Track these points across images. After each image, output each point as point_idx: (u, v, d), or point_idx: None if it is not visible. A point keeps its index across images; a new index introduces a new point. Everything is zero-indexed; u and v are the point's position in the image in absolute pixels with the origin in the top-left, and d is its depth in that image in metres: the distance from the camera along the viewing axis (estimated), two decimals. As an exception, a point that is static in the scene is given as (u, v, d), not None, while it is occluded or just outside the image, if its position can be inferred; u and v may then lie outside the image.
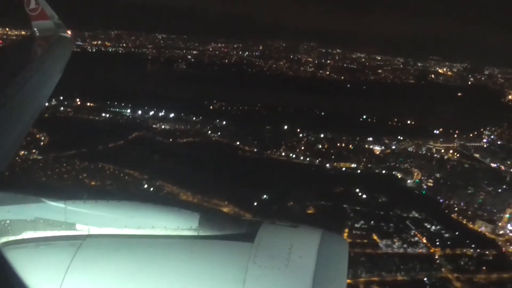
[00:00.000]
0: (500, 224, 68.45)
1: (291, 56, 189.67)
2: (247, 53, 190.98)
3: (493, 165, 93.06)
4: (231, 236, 4.70)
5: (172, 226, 4.89)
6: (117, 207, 5.06)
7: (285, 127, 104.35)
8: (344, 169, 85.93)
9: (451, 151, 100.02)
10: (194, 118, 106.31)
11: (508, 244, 64.06)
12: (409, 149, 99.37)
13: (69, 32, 16.39)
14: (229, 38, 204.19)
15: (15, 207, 5.08)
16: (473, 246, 61.78)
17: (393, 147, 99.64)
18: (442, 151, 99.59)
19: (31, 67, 11.51)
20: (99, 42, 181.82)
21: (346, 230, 61.63)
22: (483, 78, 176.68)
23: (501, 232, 66.98)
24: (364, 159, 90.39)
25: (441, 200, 75.59)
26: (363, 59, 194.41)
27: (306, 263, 4.22)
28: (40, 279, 4.42)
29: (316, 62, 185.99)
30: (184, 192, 70.24)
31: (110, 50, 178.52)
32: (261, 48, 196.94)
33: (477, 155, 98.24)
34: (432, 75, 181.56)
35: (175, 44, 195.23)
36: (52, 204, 5.07)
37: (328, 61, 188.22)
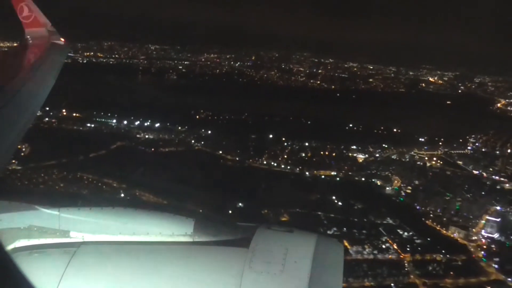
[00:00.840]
0: (474, 230, 68.55)
1: (283, 66, 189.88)
2: (238, 63, 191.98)
3: (475, 172, 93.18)
4: (227, 241, 4.76)
5: (167, 232, 4.92)
6: (111, 214, 5.10)
7: (270, 136, 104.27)
8: (323, 177, 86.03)
9: (434, 159, 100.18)
10: (179, 128, 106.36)
11: (478, 249, 64.13)
12: (392, 156, 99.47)
13: (62, 39, 16.33)
14: (222, 48, 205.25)
15: (8, 215, 5.03)
16: (443, 251, 61.81)
17: (377, 155, 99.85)
18: (426, 158, 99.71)
19: (25, 75, 11.47)
20: (91, 53, 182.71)
21: (317, 237, 61.68)
22: (473, 87, 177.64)
23: (474, 238, 66.98)
24: (346, 167, 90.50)
25: (418, 207, 75.65)
26: (355, 69, 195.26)
27: (301, 268, 4.27)
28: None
29: (308, 71, 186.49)
30: (160, 201, 70.44)
31: (101, 61, 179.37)
32: (253, 58, 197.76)
33: (460, 162, 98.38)
34: (423, 84, 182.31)
35: (167, 55, 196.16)
36: (46, 211, 5.07)
37: (320, 71, 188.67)
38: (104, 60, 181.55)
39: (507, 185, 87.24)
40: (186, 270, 4.47)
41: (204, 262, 4.54)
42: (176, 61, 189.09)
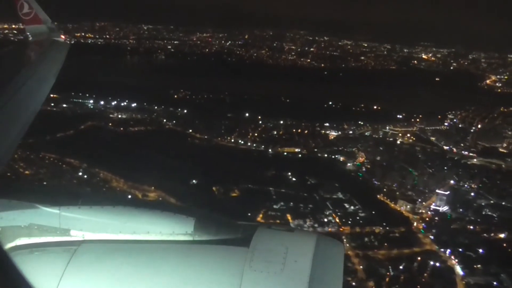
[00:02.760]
0: (424, 203, 69.90)
1: (274, 45, 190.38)
2: (229, 42, 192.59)
3: (445, 147, 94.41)
4: (227, 240, 4.79)
5: (167, 231, 4.98)
6: (112, 212, 5.14)
7: (247, 114, 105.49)
8: (285, 153, 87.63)
9: (408, 135, 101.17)
10: (155, 107, 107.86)
11: (420, 221, 65.46)
12: (366, 133, 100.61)
13: (62, 36, 16.56)
14: (216, 28, 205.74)
15: (8, 213, 5.10)
16: (384, 224, 63.14)
17: (350, 132, 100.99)
18: (399, 135, 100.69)
19: (25, 72, 11.59)
20: (82, 33, 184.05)
21: (262, 212, 63.32)
22: (466, 63, 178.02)
23: (421, 211, 68.30)
24: (313, 144, 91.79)
25: (375, 182, 76.98)
26: (349, 46, 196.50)
27: (301, 267, 4.31)
28: (34, 286, 4.37)
29: (299, 50, 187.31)
30: (116, 179, 72.36)
31: (90, 42, 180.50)
32: (246, 37, 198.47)
33: (433, 138, 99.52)
34: (415, 61, 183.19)
35: (159, 35, 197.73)
36: (46, 209, 5.13)
37: (312, 49, 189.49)
38: (93, 41, 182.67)
39: (475, 160, 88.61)
40: (186, 269, 4.54)
41: (205, 261, 4.60)
42: (166, 41, 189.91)
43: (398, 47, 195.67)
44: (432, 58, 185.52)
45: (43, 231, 5.07)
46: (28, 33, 15.96)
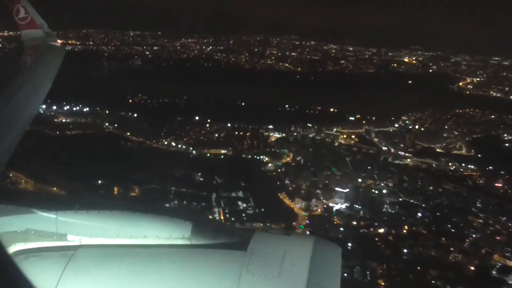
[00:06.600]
0: (325, 201, 70.44)
1: (255, 50, 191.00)
2: (210, 47, 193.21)
3: (384, 148, 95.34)
4: (224, 244, 4.89)
5: (164, 235, 5.07)
6: (108, 217, 5.24)
7: (196, 118, 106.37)
8: (208, 155, 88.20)
9: (352, 136, 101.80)
10: (106, 112, 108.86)
11: (306, 218, 66.45)
12: (310, 135, 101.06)
13: (59, 41, 17.01)
14: (204, 33, 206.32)
15: (4, 218, 5.20)
16: (267, 220, 62.88)
17: (295, 134, 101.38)
18: (344, 136, 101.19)
19: (22, 77, 12.05)
20: (63, 41, 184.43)
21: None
22: (446, 66, 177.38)
23: (315, 208, 68.92)
24: (247, 146, 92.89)
25: (286, 181, 77.72)
26: (333, 50, 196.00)
27: (299, 271, 4.42)
28: None
29: (280, 54, 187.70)
30: (39, 185, 72.66)
31: (67, 49, 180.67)
32: (231, 42, 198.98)
33: (376, 140, 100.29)
34: (395, 64, 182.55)
35: (143, 41, 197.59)
36: (43, 214, 5.22)
37: (293, 54, 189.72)
38: (71, 47, 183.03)
39: (408, 160, 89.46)
40: (184, 273, 4.63)
41: (202, 265, 4.70)
42: (146, 47, 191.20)
43: (383, 51, 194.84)
44: (413, 61, 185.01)
45: (40, 236, 5.20)
46: (24, 38, 16.35)
